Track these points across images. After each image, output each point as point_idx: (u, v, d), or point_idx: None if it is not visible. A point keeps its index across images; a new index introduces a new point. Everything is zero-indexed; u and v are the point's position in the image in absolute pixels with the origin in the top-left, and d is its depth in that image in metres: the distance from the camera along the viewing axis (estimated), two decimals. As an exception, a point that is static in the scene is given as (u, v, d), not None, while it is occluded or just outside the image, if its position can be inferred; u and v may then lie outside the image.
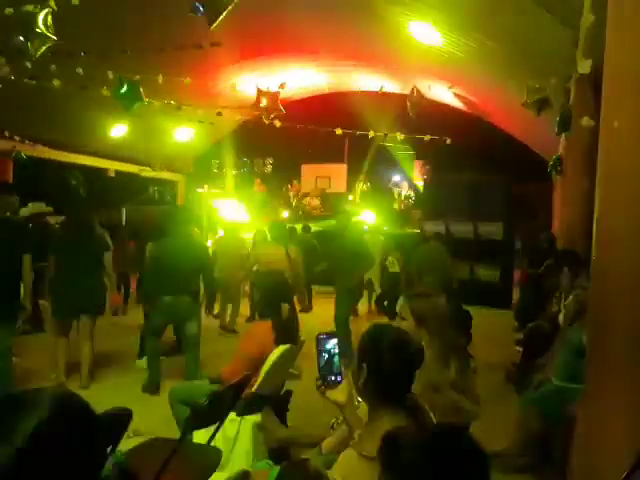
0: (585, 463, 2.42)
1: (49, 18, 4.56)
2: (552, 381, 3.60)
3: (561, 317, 4.26)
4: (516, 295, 9.28)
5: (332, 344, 1.87)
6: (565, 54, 6.25)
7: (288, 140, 13.10)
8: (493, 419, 3.59)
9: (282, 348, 3.00)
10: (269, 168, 15.59)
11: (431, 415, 1.78)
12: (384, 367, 1.67)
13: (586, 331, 2.56)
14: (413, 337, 1.84)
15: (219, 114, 9.34)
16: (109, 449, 1.12)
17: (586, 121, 4.74)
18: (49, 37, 4.63)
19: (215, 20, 4.62)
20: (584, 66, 4.67)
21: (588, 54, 4.82)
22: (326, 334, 1.89)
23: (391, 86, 12.19)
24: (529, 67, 7.52)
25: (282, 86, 8.43)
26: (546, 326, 5.05)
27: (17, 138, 11.49)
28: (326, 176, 14.69)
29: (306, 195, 14.31)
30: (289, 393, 3.39)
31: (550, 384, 3.61)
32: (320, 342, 1.87)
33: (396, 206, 13.50)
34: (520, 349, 5.74)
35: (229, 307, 7.67)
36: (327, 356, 1.86)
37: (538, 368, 4.22)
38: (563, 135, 7.13)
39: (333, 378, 1.84)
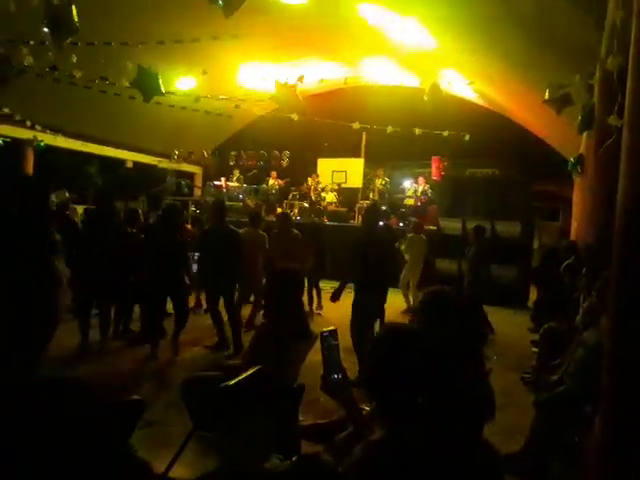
0: (603, 463, 2.40)
1: (74, 10, 4.59)
2: (568, 382, 3.56)
3: (578, 319, 4.20)
4: (533, 295, 9.16)
5: (333, 341, 1.85)
6: (589, 50, 6.14)
7: (305, 133, 13.08)
8: (508, 420, 3.56)
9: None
10: (286, 161, 15.55)
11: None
12: (397, 373, 1.64)
13: (604, 334, 2.52)
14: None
15: (237, 107, 9.35)
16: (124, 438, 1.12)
17: (613, 119, 4.63)
18: (74, 29, 4.66)
19: (233, 11, 4.62)
20: (612, 63, 4.56)
21: (617, 51, 4.71)
22: (328, 331, 1.86)
23: (411, 80, 12.11)
24: (551, 63, 7.41)
25: (301, 79, 8.39)
26: (562, 327, 4.99)
27: (38, 127, 11.67)
28: (342, 170, 14.63)
29: (323, 189, 14.26)
30: (302, 387, 3.39)
31: (566, 385, 3.56)
32: (323, 340, 1.84)
33: (412, 202, 13.37)
34: (536, 350, 5.68)
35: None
36: (330, 354, 1.84)
37: (554, 369, 4.17)
38: (585, 134, 7.00)
39: (335, 376, 1.82)
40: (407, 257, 8.53)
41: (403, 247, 8.53)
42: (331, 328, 1.89)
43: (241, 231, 7.05)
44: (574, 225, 8.93)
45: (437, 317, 2.28)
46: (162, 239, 5.44)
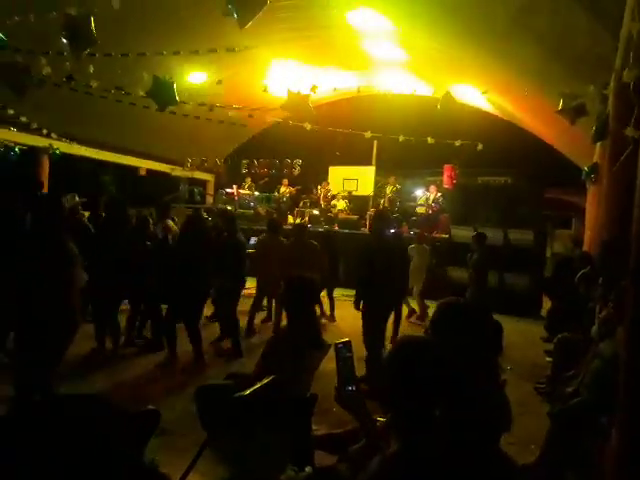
0: (619, 474, 2.37)
1: (92, 21, 4.68)
2: (584, 393, 3.52)
3: (594, 329, 4.15)
4: (546, 304, 9.08)
5: (347, 353, 1.85)
6: (603, 60, 6.12)
7: (317, 142, 13.13)
8: (523, 431, 3.52)
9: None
10: (298, 169, 15.61)
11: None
12: (412, 384, 1.63)
13: (620, 345, 2.50)
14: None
15: (251, 116, 9.42)
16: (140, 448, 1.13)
17: (630, 131, 4.60)
18: (92, 40, 4.75)
19: (247, 22, 4.68)
20: (629, 75, 4.54)
21: (633, 63, 4.69)
22: (342, 343, 1.86)
23: (424, 89, 12.12)
24: (565, 73, 7.39)
25: (313, 89, 8.45)
26: (577, 337, 4.94)
27: (54, 136, 11.85)
28: (354, 178, 14.66)
29: (334, 197, 14.29)
30: (314, 397, 3.39)
31: (582, 397, 3.52)
32: (337, 351, 1.85)
33: (423, 210, 13.34)
34: (550, 359, 5.62)
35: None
36: (344, 366, 1.84)
37: (569, 380, 4.13)
38: (599, 143, 6.96)
39: (350, 388, 1.82)
40: (410, 266, 8.56)
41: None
42: (345, 340, 1.89)
43: (260, 237, 7.11)
44: (587, 234, 8.86)
45: (451, 328, 2.27)
46: (189, 248, 5.49)
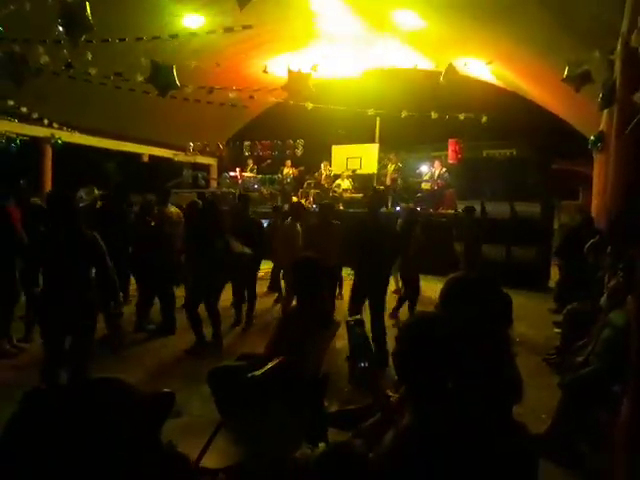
0: (630, 443, 2.39)
1: (88, 7, 4.63)
2: (595, 363, 3.52)
3: (603, 299, 4.14)
4: (554, 277, 9.05)
5: (359, 329, 1.86)
6: (609, 26, 5.98)
7: (319, 121, 13.02)
8: (534, 402, 3.55)
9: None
10: (300, 150, 15.50)
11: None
12: (424, 358, 1.65)
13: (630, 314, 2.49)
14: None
15: (251, 97, 9.33)
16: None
17: (639, 97, 4.51)
18: (88, 26, 4.70)
19: (246, 3, 4.62)
20: (638, 39, 4.43)
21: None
22: (354, 320, 1.88)
23: (425, 63, 11.93)
24: (570, 40, 7.24)
25: (314, 68, 8.33)
26: (586, 308, 4.93)
27: (55, 125, 11.82)
28: (357, 156, 14.54)
29: (337, 177, 14.19)
30: (326, 377, 3.41)
31: (593, 366, 3.53)
32: (349, 328, 1.86)
33: (428, 187, 13.23)
34: (558, 331, 5.63)
35: None
36: (356, 342, 1.86)
37: (578, 350, 4.13)
38: (605, 111, 6.85)
39: (362, 364, 1.84)
40: None
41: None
42: (357, 317, 1.91)
43: (285, 223, 7.16)
44: (595, 203, 8.78)
45: (460, 301, 2.28)
46: (206, 233, 5.52)
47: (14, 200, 5.30)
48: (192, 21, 8.94)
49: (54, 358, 3.66)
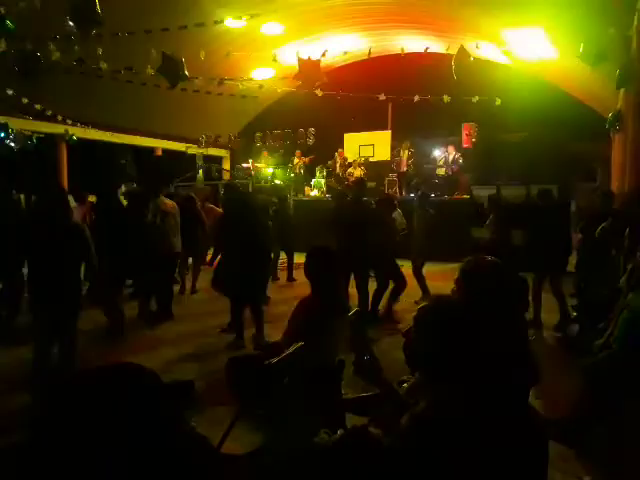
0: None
1: (97, 2, 4.65)
2: (614, 345, 3.49)
3: (622, 281, 4.08)
4: (572, 260, 8.91)
5: (358, 322, 1.87)
6: (625, 0, 5.83)
7: (331, 109, 12.92)
8: (552, 386, 3.53)
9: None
10: (312, 139, 15.42)
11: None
12: (440, 342, 1.65)
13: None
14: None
15: (261, 87, 9.30)
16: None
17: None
18: (98, 20, 4.73)
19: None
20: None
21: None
22: (353, 313, 1.88)
23: (436, 46, 11.75)
24: (585, 16, 7.07)
25: (324, 54, 8.27)
26: (605, 291, 4.87)
27: (69, 121, 11.93)
28: (369, 144, 14.44)
29: (350, 165, 14.10)
30: (342, 363, 3.43)
31: (610, 349, 3.49)
32: (350, 323, 1.87)
33: (443, 172, 13.08)
34: (578, 314, 5.58)
35: None
36: (357, 335, 1.86)
37: (598, 333, 4.09)
38: (622, 90, 6.70)
39: (366, 357, 1.84)
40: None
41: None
42: (355, 310, 1.91)
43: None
44: (615, 184, 8.60)
45: (476, 285, 2.27)
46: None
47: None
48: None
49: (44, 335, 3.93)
